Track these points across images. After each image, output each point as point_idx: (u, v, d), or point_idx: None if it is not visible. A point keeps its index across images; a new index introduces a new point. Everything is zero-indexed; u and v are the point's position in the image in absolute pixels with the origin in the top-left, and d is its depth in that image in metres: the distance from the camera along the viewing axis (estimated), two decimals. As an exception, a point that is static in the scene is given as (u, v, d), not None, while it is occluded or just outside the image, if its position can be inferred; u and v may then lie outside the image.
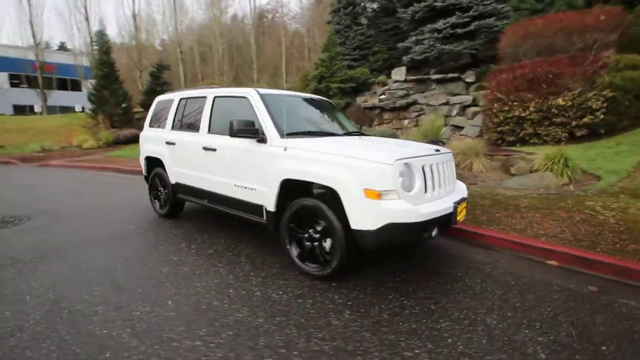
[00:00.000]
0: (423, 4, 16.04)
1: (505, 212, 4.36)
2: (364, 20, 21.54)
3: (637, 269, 3.00)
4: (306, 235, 3.01)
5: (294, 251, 3.08)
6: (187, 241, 3.85)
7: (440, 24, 15.72)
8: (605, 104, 7.10)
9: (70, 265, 3.22)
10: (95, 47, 19.43)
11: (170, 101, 4.65)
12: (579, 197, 4.65)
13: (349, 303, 2.59)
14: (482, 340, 2.17)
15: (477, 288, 2.83)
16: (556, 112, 7.60)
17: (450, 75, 16.21)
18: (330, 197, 2.84)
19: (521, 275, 3.08)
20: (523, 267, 3.26)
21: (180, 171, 4.26)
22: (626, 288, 2.88)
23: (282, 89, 22.63)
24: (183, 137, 4.21)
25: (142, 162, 5.01)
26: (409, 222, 2.53)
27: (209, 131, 3.87)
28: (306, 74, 19.00)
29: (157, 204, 4.89)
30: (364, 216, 2.56)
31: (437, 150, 3.10)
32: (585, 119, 7.36)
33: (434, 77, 16.15)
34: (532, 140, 8.14)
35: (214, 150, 3.70)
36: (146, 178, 5.06)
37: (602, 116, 7.18)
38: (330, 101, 4.56)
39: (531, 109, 7.87)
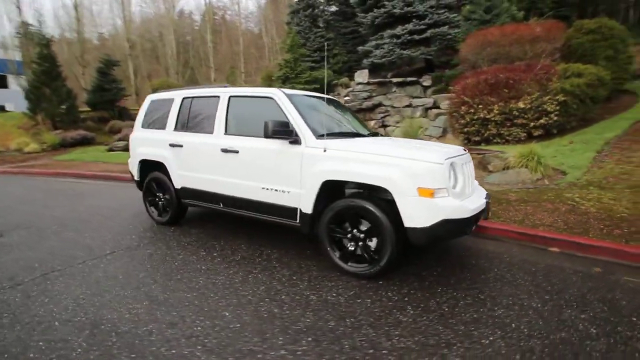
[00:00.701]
0: (382, 10, 16.68)
1: (500, 206, 4.75)
2: (322, 23, 21.81)
3: (628, 251, 3.47)
4: (349, 236, 3.03)
5: (336, 252, 3.08)
6: (205, 249, 3.64)
7: (399, 30, 16.48)
8: (558, 107, 8.02)
9: (86, 283, 2.88)
10: (29, 39, 17.25)
11: (169, 101, 4.35)
12: (555, 190, 5.21)
13: (406, 299, 2.66)
14: (539, 322, 2.37)
15: (508, 276, 3.07)
16: (517, 114, 8.40)
17: (409, 79, 17.09)
18: (374, 196, 2.90)
19: (536, 262, 3.39)
20: (533, 255, 3.60)
21: (188, 175, 4.01)
22: (623, 267, 3.30)
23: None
24: (192, 138, 3.96)
25: (135, 166, 4.61)
26: (460, 218, 2.68)
27: (226, 132, 3.70)
28: (269, 74, 18.75)
29: (155, 211, 4.53)
30: (418, 214, 2.65)
31: (465, 151, 3.31)
32: (541, 120, 8.24)
33: (395, 80, 16.91)
34: (495, 140, 8.92)
35: (236, 152, 3.54)
36: (139, 183, 4.67)
37: (555, 118, 8.09)
38: (340, 101, 4.59)
39: (495, 111, 8.61)
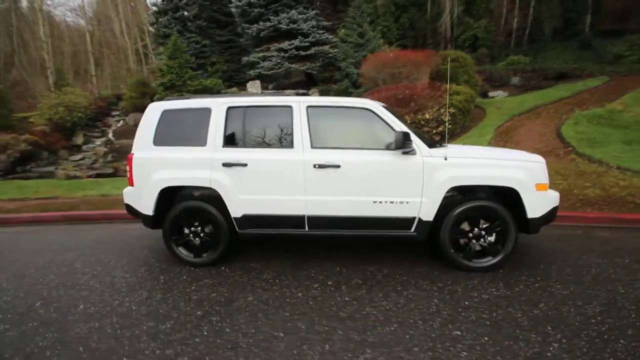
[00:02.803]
0: (269, 23, 17.04)
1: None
2: (193, 28, 20.27)
3: (584, 216, 4.98)
4: (470, 235, 3.29)
5: (460, 253, 3.29)
6: (310, 281, 3.15)
7: (286, 45, 17.20)
8: (450, 118, 10.23)
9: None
10: None
11: (202, 111, 3.50)
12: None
13: (538, 278, 3.14)
14: (623, 270, 3.25)
15: (556, 247, 3.97)
16: (424, 123, 10.25)
17: (300, 91, 18.01)
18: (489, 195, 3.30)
19: (548, 234, 4.47)
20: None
21: (257, 198, 3.34)
22: (588, 227, 4.73)
23: (104, 96, 17.96)
24: (262, 155, 3.34)
25: (149, 198, 3.44)
26: (558, 204, 3.37)
27: (313, 146, 3.31)
28: (141, 79, 16.06)
29: (189, 253, 3.52)
30: (538, 205, 3.19)
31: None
32: (440, 128, 10.32)
33: (287, 91, 17.48)
34: (406, 145, 10.59)
35: (337, 166, 3.23)
36: (153, 220, 3.51)
37: (449, 125, 10.29)
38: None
39: (408, 122, 10.24)
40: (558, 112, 10.45)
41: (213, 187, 3.36)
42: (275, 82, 20.30)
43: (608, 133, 8.39)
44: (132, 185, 3.56)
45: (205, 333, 2.37)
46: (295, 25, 16.93)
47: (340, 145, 3.35)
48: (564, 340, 2.23)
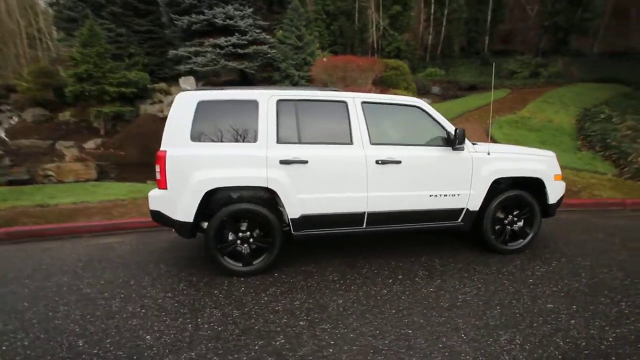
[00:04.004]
0: (202, 17, 16.03)
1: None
2: (105, 14, 17.85)
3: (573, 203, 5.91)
4: (506, 221, 3.67)
5: (497, 239, 3.63)
6: (386, 278, 3.11)
7: (222, 41, 16.41)
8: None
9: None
10: None
11: (246, 103, 3.17)
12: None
13: (559, 254, 3.67)
14: (599, 245, 4.00)
15: (555, 232, 4.66)
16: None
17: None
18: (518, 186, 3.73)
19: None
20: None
21: (317, 197, 3.14)
22: (584, 214, 5.59)
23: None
24: (322, 151, 3.15)
25: (190, 202, 2.94)
26: (564, 192, 3.98)
27: (372, 142, 3.28)
28: (44, 69, 13.32)
29: (238, 262, 3.12)
30: (555, 193, 3.73)
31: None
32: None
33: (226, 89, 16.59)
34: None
35: (398, 162, 3.26)
36: (192, 228, 3.02)
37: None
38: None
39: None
40: (482, 118, 12.14)
41: (270, 186, 3.05)
42: (205, 80, 19.08)
43: (526, 135, 10.11)
44: (164, 187, 3.00)
45: (332, 342, 2.16)
46: (231, 22, 16.22)
47: (396, 142, 3.40)
48: (625, 299, 2.69)
